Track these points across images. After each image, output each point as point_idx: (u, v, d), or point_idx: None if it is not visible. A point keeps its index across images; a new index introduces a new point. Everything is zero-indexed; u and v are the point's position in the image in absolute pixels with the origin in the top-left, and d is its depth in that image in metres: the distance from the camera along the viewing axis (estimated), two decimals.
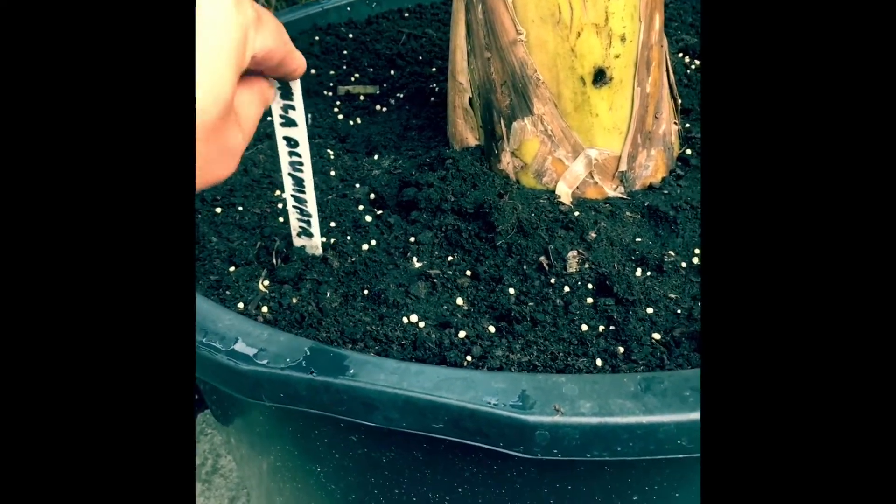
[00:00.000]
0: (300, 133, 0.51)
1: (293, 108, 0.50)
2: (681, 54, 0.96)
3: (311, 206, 0.56)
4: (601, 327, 0.53)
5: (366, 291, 0.57)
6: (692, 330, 0.52)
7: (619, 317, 0.54)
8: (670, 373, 0.44)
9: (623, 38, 0.65)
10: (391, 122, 0.83)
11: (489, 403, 0.43)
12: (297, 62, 0.46)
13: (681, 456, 0.43)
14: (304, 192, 0.55)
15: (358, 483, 0.55)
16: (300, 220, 0.58)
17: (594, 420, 0.42)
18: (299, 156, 0.53)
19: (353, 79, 0.95)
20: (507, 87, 0.67)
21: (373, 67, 0.97)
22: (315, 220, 0.57)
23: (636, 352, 0.50)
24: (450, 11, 0.73)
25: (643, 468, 0.47)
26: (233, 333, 0.49)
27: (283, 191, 0.67)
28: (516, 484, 0.49)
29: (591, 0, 0.63)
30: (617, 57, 0.65)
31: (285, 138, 0.52)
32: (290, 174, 0.54)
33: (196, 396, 0.90)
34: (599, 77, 0.65)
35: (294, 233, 0.59)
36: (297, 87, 0.49)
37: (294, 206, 0.57)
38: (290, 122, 0.51)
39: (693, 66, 0.93)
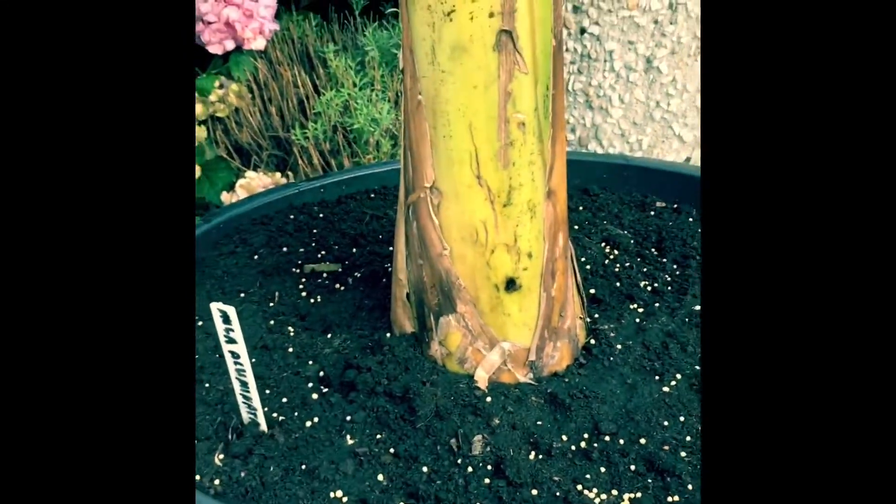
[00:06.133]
0: (240, 348, 0.65)
1: (233, 330, 0.64)
2: (603, 244, 1.11)
3: (256, 403, 0.69)
4: None
5: (304, 466, 0.69)
6: None
7: (507, 497, 0.65)
8: None
9: (530, 255, 0.80)
10: (346, 302, 0.97)
11: None
12: None
13: None
14: (248, 392, 0.68)
15: None
16: (248, 413, 0.71)
17: None
18: (242, 365, 0.66)
19: (319, 256, 1.09)
20: (436, 289, 0.81)
21: (338, 245, 1.12)
22: (260, 414, 0.70)
23: None
24: None
25: None
26: None
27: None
28: None
29: (502, 225, 0.78)
30: (525, 269, 0.80)
31: (230, 352, 0.66)
32: (236, 378, 0.68)
33: None
34: (511, 285, 0.80)
35: (244, 419, 0.72)
36: (233, 314, 0.63)
37: (243, 403, 0.70)
38: (231, 341, 0.65)
39: (612, 256, 1.08)
